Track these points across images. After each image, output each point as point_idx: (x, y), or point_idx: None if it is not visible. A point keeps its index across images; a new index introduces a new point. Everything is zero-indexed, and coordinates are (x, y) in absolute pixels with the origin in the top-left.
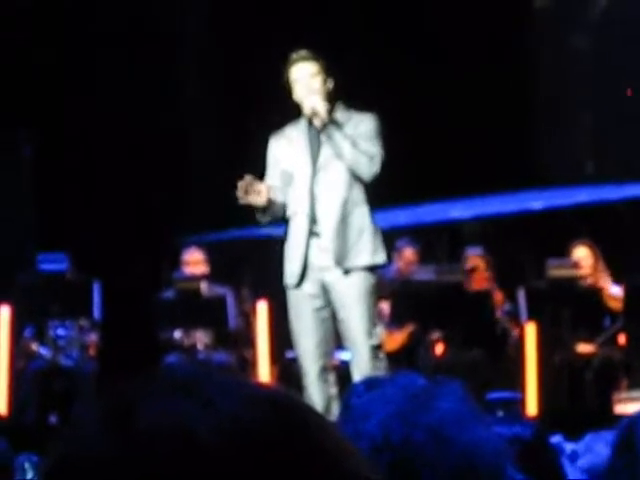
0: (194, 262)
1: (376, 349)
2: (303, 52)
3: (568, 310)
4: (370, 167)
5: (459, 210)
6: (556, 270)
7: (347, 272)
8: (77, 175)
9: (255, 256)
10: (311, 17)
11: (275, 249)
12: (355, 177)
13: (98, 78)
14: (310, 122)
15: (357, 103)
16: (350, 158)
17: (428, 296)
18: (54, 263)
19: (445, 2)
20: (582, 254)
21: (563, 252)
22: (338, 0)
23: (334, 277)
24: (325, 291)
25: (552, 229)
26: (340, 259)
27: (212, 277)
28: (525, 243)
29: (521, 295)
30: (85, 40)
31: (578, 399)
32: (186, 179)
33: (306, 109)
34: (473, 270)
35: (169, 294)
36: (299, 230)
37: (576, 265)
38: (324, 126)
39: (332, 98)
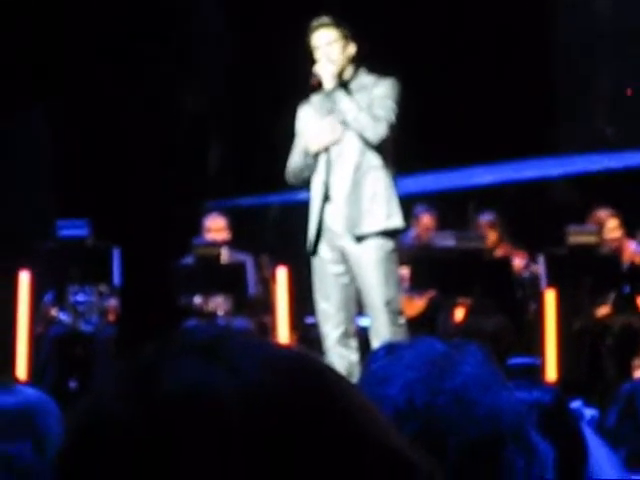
0: (216, 228)
1: (396, 315)
2: (323, 19)
3: (588, 276)
4: (375, 130)
5: (479, 176)
6: (576, 236)
7: (360, 239)
8: (97, 142)
9: (276, 222)
10: None
11: (296, 215)
12: (367, 142)
13: (118, 48)
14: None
15: (380, 69)
16: (353, 122)
17: (448, 262)
18: (74, 229)
19: None
20: (605, 220)
21: (583, 218)
22: None
23: (350, 244)
24: (345, 257)
25: (572, 195)
26: (352, 225)
27: (233, 243)
28: (545, 209)
29: (541, 261)
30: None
31: (598, 365)
32: (207, 145)
33: (313, 79)
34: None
35: (188, 260)
36: (316, 196)
37: (597, 231)
38: (332, 91)
39: (354, 63)
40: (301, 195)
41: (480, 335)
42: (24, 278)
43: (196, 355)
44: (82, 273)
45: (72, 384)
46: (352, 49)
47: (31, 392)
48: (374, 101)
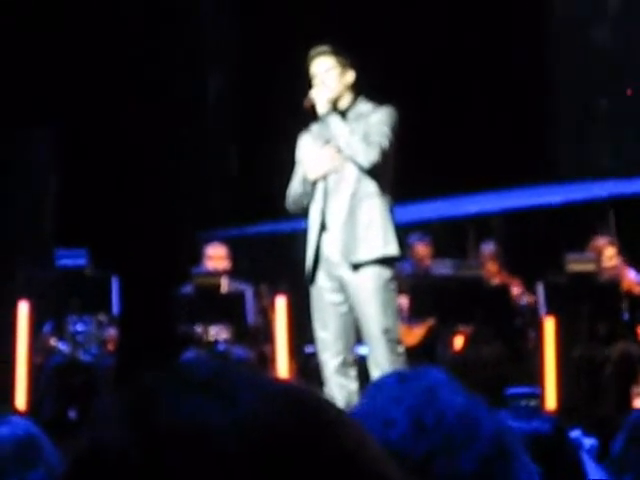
0: (217, 257)
1: (394, 344)
2: (321, 47)
3: (587, 304)
4: (366, 155)
5: (477, 205)
6: (575, 264)
7: (357, 267)
8: (96, 171)
9: (275, 251)
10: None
11: (295, 244)
12: (360, 168)
13: (118, 72)
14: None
15: (378, 97)
16: (345, 146)
17: (447, 291)
18: (73, 259)
19: None
20: (603, 248)
21: (582, 246)
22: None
23: (348, 272)
24: (343, 286)
25: (571, 223)
26: (348, 253)
27: (234, 273)
28: (544, 237)
29: (540, 289)
30: (105, 37)
31: (597, 393)
32: (206, 173)
33: (306, 101)
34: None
35: (188, 289)
36: (313, 224)
37: (595, 259)
38: (326, 116)
39: (353, 92)
40: (300, 224)
41: (479, 364)
42: (23, 308)
43: (194, 387)
44: (81, 303)
45: (71, 414)
46: (350, 77)
47: (27, 422)
48: (370, 128)
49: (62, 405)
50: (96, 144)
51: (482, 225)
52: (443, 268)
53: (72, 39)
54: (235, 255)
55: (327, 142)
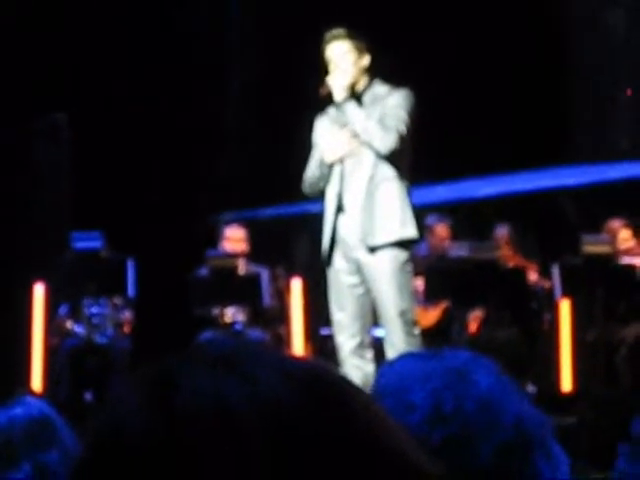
0: (235, 239)
1: (410, 326)
2: (336, 31)
3: (603, 287)
4: (383, 140)
5: (493, 187)
6: (591, 246)
7: (374, 249)
8: (111, 152)
9: (291, 233)
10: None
11: (312, 226)
12: (377, 153)
13: (137, 59)
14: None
15: (394, 79)
16: (362, 132)
17: (462, 273)
18: (88, 241)
19: None
20: (618, 230)
21: (598, 228)
22: None
23: (365, 255)
24: (360, 268)
25: (587, 205)
26: (366, 236)
27: (251, 255)
28: (560, 219)
29: (555, 271)
30: (125, 26)
31: (612, 377)
32: (223, 156)
33: (323, 88)
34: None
35: (204, 271)
36: (330, 207)
37: (611, 241)
38: (343, 103)
39: (368, 75)
40: (317, 206)
41: (494, 346)
42: (39, 290)
43: (213, 366)
44: (97, 285)
45: (87, 396)
46: (366, 61)
47: (37, 405)
48: (387, 112)
49: (78, 387)
50: (111, 127)
51: (498, 207)
52: (459, 250)
53: (75, 36)
54: (252, 237)
55: (344, 126)
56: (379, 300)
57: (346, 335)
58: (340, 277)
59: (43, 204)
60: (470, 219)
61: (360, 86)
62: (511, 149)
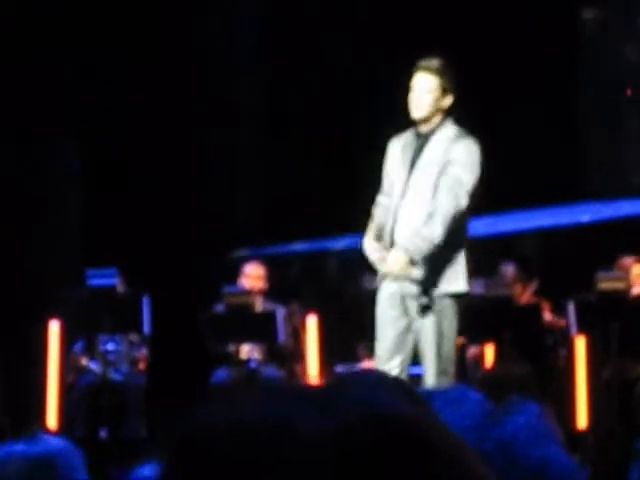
0: (254, 276)
1: (445, 374)
2: (431, 62)
3: (617, 323)
4: (453, 202)
5: (508, 224)
6: (605, 282)
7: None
8: (127, 189)
9: (307, 270)
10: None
11: (330, 263)
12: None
13: (146, 92)
14: (417, 132)
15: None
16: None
17: (477, 309)
18: (104, 278)
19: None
20: (630, 267)
21: (612, 265)
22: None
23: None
24: (404, 302)
25: (601, 242)
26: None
27: (269, 293)
28: (574, 256)
29: (571, 308)
30: (134, 55)
31: (628, 412)
32: (237, 194)
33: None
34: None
35: (220, 308)
36: (384, 239)
37: (625, 277)
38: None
39: (444, 115)
40: (330, 243)
41: (508, 382)
42: (54, 327)
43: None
44: (112, 322)
45: (102, 433)
46: (447, 102)
47: (55, 441)
48: (452, 164)
49: (93, 425)
50: (125, 162)
51: (510, 244)
52: (474, 287)
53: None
54: (270, 274)
55: (416, 152)
56: (421, 340)
57: (382, 367)
58: (386, 309)
59: (58, 241)
60: (484, 256)
61: (431, 125)
62: (523, 186)
